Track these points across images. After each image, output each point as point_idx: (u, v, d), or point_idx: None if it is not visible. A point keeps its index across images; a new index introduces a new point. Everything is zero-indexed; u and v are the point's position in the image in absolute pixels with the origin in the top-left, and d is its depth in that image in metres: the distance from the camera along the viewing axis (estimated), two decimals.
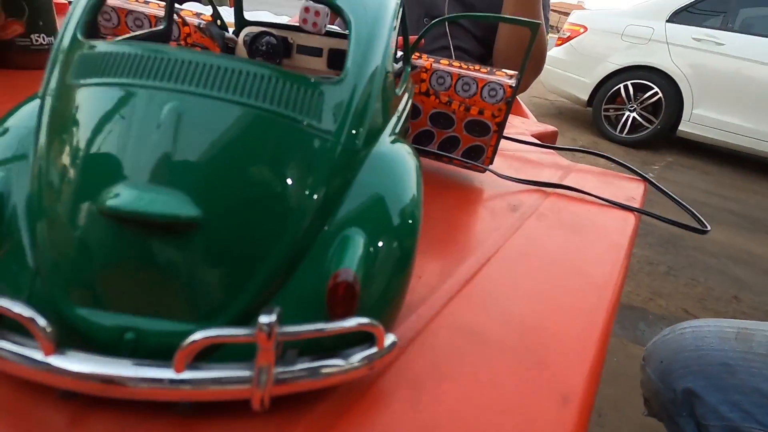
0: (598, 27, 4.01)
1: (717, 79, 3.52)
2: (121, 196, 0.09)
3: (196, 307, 0.10)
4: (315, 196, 0.11)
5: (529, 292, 0.19)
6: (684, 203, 0.32)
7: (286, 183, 0.11)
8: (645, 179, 0.34)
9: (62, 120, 0.10)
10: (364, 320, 0.10)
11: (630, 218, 0.27)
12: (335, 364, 0.11)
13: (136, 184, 0.10)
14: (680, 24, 3.66)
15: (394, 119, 0.14)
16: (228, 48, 0.28)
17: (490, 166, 0.28)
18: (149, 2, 0.25)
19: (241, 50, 0.28)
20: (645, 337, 1.41)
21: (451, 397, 0.13)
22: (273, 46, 0.27)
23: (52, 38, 0.36)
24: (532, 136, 0.43)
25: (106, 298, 0.10)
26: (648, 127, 3.72)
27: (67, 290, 0.10)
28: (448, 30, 1.00)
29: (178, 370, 0.09)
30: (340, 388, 0.12)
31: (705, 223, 0.30)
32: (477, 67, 0.26)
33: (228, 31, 0.28)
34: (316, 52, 0.28)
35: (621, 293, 0.20)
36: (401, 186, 0.12)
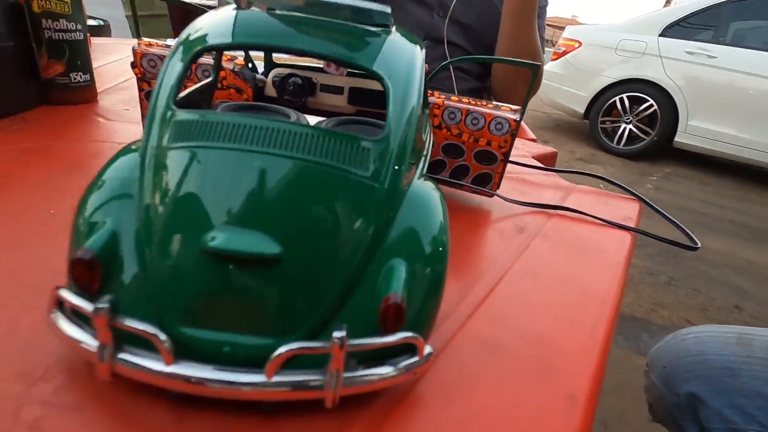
0: (592, 42, 4.09)
1: (710, 91, 3.58)
2: (219, 238, 0.12)
3: (278, 325, 0.13)
4: (367, 233, 0.13)
5: (537, 307, 0.21)
6: (675, 221, 0.35)
7: (344, 223, 0.13)
8: (639, 199, 0.37)
9: (164, 175, 0.13)
10: (409, 334, 0.13)
11: (626, 237, 0.30)
12: (386, 370, 0.13)
13: (229, 228, 0.12)
14: (673, 38, 3.74)
15: (422, 161, 0.17)
16: (258, 88, 0.31)
17: (497, 191, 0.31)
18: None
19: (270, 90, 0.31)
20: (648, 348, 1.42)
21: (476, 398, 0.16)
22: (299, 86, 0.30)
23: (89, 76, 0.39)
24: (534, 157, 0.46)
25: (207, 319, 0.12)
26: (644, 139, 3.77)
27: (174, 313, 0.12)
28: (447, 51, 1.04)
29: (269, 376, 0.12)
30: (387, 390, 0.15)
31: (695, 240, 0.32)
32: (484, 102, 0.29)
33: (258, 72, 0.31)
34: (338, 90, 0.31)
35: (620, 306, 0.23)
36: (432, 220, 0.15)
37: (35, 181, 0.25)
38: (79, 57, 0.38)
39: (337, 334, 0.12)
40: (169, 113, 0.14)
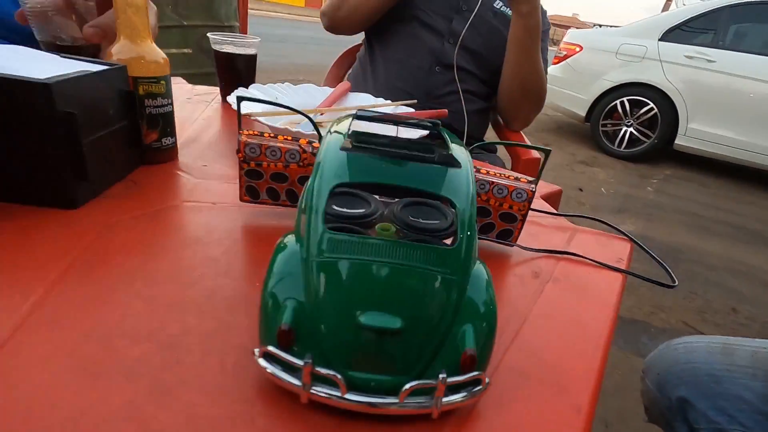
0: (593, 46, 4.16)
1: (710, 95, 3.64)
2: (365, 318, 0.20)
3: (402, 369, 0.21)
4: (450, 309, 0.21)
5: (552, 341, 0.29)
6: (658, 258, 0.43)
7: (437, 304, 0.21)
8: (630, 239, 0.45)
9: (325, 275, 0.21)
10: (477, 373, 0.21)
11: (618, 278, 0.38)
12: (464, 395, 0.21)
13: (371, 311, 0.20)
14: (672, 42, 3.79)
15: (476, 252, 0.25)
16: None
17: (516, 242, 0.39)
18: (276, 137, 0.36)
19: None
20: (647, 350, 1.50)
21: (510, 412, 0.24)
22: None
23: (174, 138, 0.48)
24: (542, 197, 0.54)
25: (360, 365, 0.20)
26: (645, 141, 3.84)
27: (341, 362, 0.20)
28: (456, 76, 1.12)
29: (401, 400, 0.20)
30: (459, 408, 0.23)
31: (674, 278, 0.40)
32: (507, 175, 0.37)
33: None
34: None
35: (611, 339, 0.31)
36: (486, 293, 0.23)
37: (166, 245, 0.33)
38: (168, 125, 0.46)
39: (442, 375, 0.20)
40: (324, 234, 0.22)
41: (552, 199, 0.55)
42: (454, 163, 0.25)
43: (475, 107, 1.19)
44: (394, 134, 0.32)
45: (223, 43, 0.71)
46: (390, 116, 0.30)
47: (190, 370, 0.23)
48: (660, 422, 0.70)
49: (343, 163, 0.24)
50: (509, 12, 1.04)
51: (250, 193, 0.38)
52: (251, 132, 0.36)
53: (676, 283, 0.40)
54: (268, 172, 0.37)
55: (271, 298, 0.22)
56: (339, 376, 0.20)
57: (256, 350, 0.22)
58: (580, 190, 3.01)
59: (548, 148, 0.35)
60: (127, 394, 0.21)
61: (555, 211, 0.48)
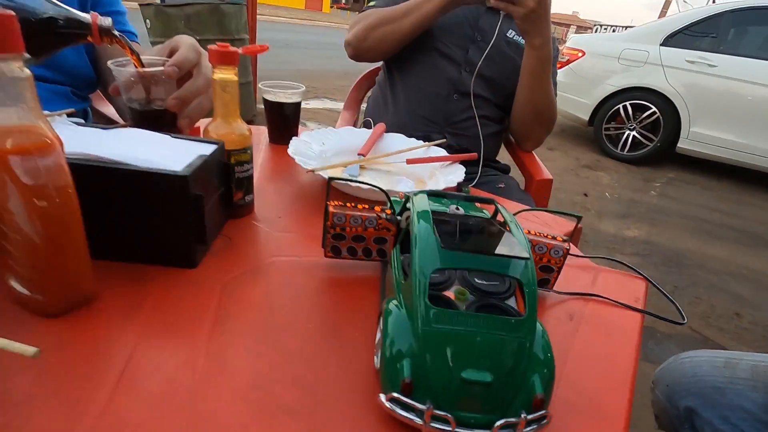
0: (595, 51, 4.22)
1: (711, 98, 3.69)
2: (466, 373, 0.28)
3: (492, 410, 0.29)
4: (523, 364, 0.30)
5: (590, 377, 0.37)
6: (669, 296, 0.51)
7: (515, 361, 0.29)
8: (644, 278, 0.53)
9: (433, 341, 0.29)
10: (545, 411, 0.29)
11: (637, 318, 0.46)
12: (534, 427, 0.29)
13: (470, 368, 0.28)
14: (674, 47, 3.85)
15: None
16: (400, 228, 0.46)
17: (553, 288, 0.47)
18: (356, 206, 0.44)
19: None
20: (654, 355, 1.57)
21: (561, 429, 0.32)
22: None
23: (252, 195, 0.56)
24: (565, 234, 0.62)
25: (462, 407, 0.29)
26: (648, 145, 3.91)
27: (448, 404, 0.28)
28: (473, 103, 1.20)
29: None
30: None
31: (684, 315, 0.48)
32: (546, 234, 0.45)
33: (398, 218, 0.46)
34: None
35: (636, 375, 0.39)
36: (545, 346, 0.31)
37: (275, 300, 0.42)
38: (250, 185, 0.54)
39: (523, 415, 0.28)
40: (429, 309, 0.30)
41: (575, 236, 0.63)
42: (525, 257, 0.33)
43: (490, 131, 1.26)
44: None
45: (271, 92, 0.79)
46: (454, 196, 0.39)
47: (333, 410, 0.31)
48: (669, 430, 0.78)
49: (436, 256, 0.32)
50: (521, 41, 1.10)
51: (333, 252, 0.46)
52: (336, 203, 0.44)
53: (686, 321, 0.47)
54: (350, 235, 0.45)
55: (390, 356, 0.30)
56: (450, 416, 0.28)
57: (382, 396, 0.30)
58: (585, 195, 3.08)
59: (579, 215, 0.43)
60: (293, 430, 0.29)
61: (582, 254, 0.56)
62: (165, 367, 0.32)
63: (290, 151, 0.66)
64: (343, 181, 0.45)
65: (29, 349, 0.26)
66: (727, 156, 3.72)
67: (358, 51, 1.22)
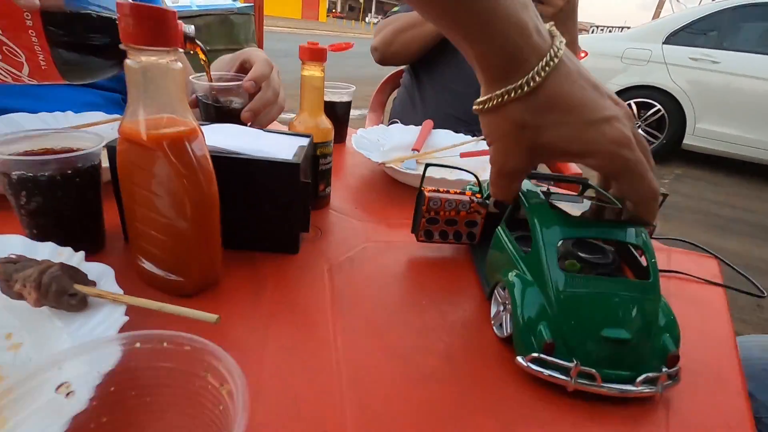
0: (598, 51, 4.26)
1: (716, 95, 3.73)
2: (607, 332, 0.30)
3: (629, 366, 0.31)
4: (656, 323, 0.31)
5: (694, 348, 0.39)
6: (743, 273, 0.52)
7: (650, 320, 0.31)
8: (716, 257, 0.55)
9: (569, 303, 0.31)
10: (678, 367, 0.31)
11: (720, 292, 0.48)
12: (669, 382, 0.31)
13: (610, 327, 0.30)
14: (677, 45, 3.89)
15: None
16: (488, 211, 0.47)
17: None
18: (449, 191, 0.46)
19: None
20: None
21: (694, 396, 0.34)
22: None
23: (330, 187, 0.58)
24: None
25: (602, 364, 0.30)
26: (654, 142, 3.94)
27: (590, 363, 0.30)
28: None
29: (637, 386, 0.30)
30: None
31: (762, 289, 0.50)
32: None
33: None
34: None
35: (736, 344, 0.40)
36: (667, 307, 0.33)
37: (382, 279, 0.43)
38: (329, 177, 0.56)
39: (664, 369, 0.30)
40: (565, 275, 0.32)
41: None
42: (649, 223, 0.35)
43: None
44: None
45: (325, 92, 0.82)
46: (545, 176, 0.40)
47: (473, 375, 0.33)
48: None
49: (560, 226, 0.34)
50: None
51: (426, 236, 0.48)
52: (431, 189, 0.46)
53: (765, 294, 0.49)
54: (443, 219, 0.47)
55: (524, 321, 0.32)
56: (594, 372, 0.30)
57: (520, 358, 0.32)
58: None
59: (665, 192, 0.45)
60: (433, 393, 0.31)
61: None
62: (302, 340, 0.34)
63: (355, 146, 0.68)
64: (436, 166, 0.47)
65: (211, 317, 0.27)
66: (734, 151, 3.75)
67: (385, 56, 1.25)
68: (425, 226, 0.47)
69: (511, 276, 0.35)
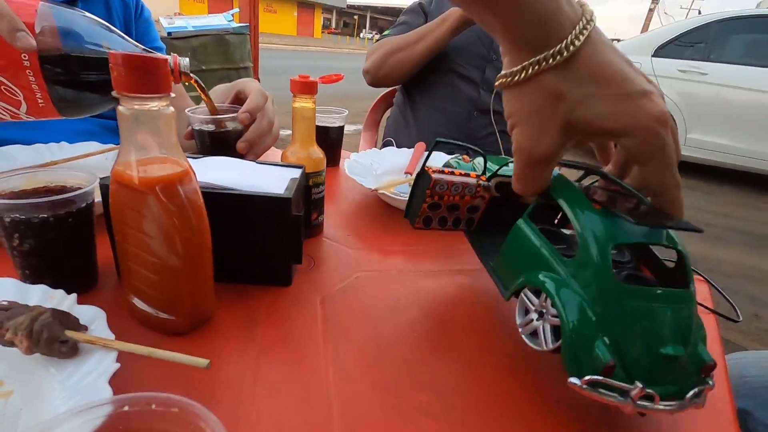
0: None
1: (705, 105, 3.79)
2: (666, 349, 0.29)
3: (681, 381, 0.30)
4: (696, 334, 0.31)
5: None
6: (724, 294, 0.53)
7: (693, 332, 0.30)
8: (705, 279, 0.56)
9: (625, 319, 0.29)
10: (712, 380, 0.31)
11: (712, 318, 0.48)
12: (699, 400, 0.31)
13: (668, 343, 0.29)
14: (665, 58, 3.97)
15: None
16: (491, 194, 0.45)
17: None
18: (454, 173, 0.43)
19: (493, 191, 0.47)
20: None
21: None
22: None
23: (323, 215, 0.58)
24: None
25: (657, 381, 0.29)
26: None
27: (644, 380, 0.28)
28: (493, 119, 1.24)
29: (685, 402, 0.29)
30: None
31: (738, 313, 0.50)
32: None
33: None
34: None
35: (727, 367, 0.41)
36: (700, 320, 0.32)
37: (374, 311, 0.43)
38: (322, 206, 0.57)
39: (710, 381, 0.30)
40: (623, 288, 0.30)
41: None
42: (697, 229, 0.33)
43: (509, 145, 1.30)
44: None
45: (318, 118, 0.83)
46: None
47: (464, 414, 0.33)
48: None
49: (614, 230, 0.31)
50: None
51: (425, 222, 0.45)
52: (435, 169, 0.43)
53: (740, 318, 0.49)
54: (446, 204, 0.43)
55: (578, 336, 0.30)
56: (652, 392, 0.28)
57: (574, 379, 0.29)
58: None
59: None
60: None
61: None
62: (294, 376, 0.34)
63: (348, 172, 0.69)
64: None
65: (202, 362, 0.27)
66: (725, 160, 3.79)
67: (376, 78, 1.27)
68: (426, 212, 0.43)
69: (551, 283, 0.32)
